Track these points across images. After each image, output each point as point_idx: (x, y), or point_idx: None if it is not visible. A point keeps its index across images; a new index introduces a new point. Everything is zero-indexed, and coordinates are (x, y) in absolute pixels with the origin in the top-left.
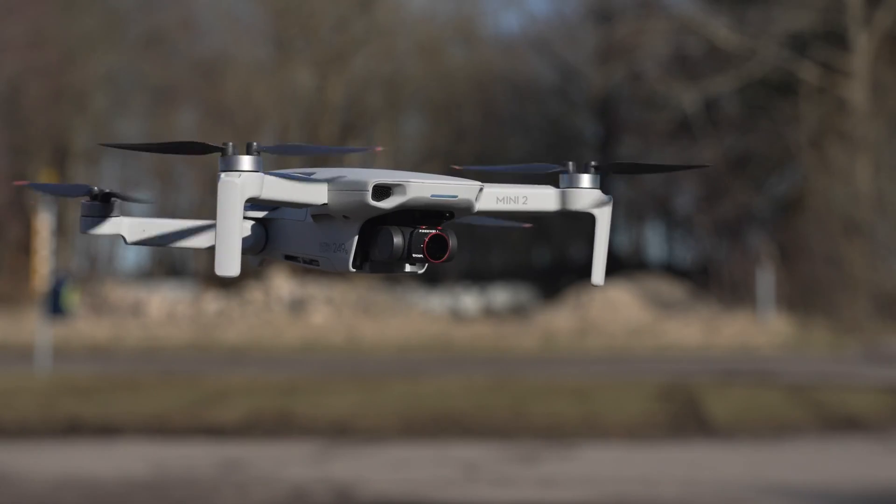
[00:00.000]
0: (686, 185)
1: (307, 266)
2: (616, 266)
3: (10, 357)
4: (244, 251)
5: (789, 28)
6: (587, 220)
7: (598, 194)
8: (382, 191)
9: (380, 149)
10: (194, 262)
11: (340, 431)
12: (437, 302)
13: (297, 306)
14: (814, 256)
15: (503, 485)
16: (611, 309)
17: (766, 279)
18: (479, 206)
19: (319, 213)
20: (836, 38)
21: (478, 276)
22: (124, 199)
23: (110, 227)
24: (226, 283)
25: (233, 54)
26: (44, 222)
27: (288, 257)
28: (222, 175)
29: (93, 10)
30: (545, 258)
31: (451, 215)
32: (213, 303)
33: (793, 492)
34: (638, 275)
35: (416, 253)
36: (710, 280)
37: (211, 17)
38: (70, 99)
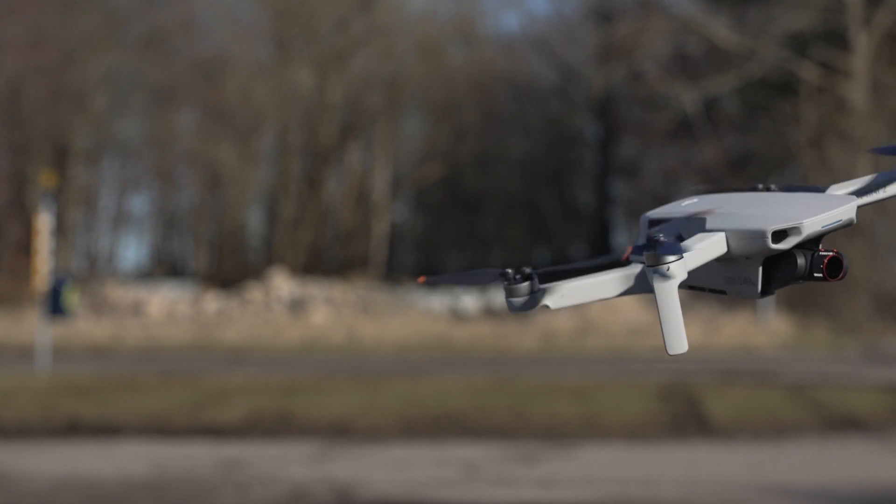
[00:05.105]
0: (686, 185)
1: (713, 294)
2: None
3: (10, 357)
4: (649, 290)
5: (789, 28)
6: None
7: None
8: (780, 234)
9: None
10: (194, 261)
11: (340, 431)
12: (437, 302)
13: (297, 306)
14: None
15: (503, 485)
16: (611, 309)
17: None
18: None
19: (721, 258)
20: (836, 38)
21: None
22: (548, 272)
23: (535, 300)
24: (226, 283)
25: (233, 54)
26: (44, 222)
27: (692, 287)
28: (652, 272)
29: (93, 10)
30: (545, 258)
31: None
32: (213, 303)
33: (793, 492)
34: None
35: (815, 273)
36: None
37: (211, 17)
38: (70, 99)
